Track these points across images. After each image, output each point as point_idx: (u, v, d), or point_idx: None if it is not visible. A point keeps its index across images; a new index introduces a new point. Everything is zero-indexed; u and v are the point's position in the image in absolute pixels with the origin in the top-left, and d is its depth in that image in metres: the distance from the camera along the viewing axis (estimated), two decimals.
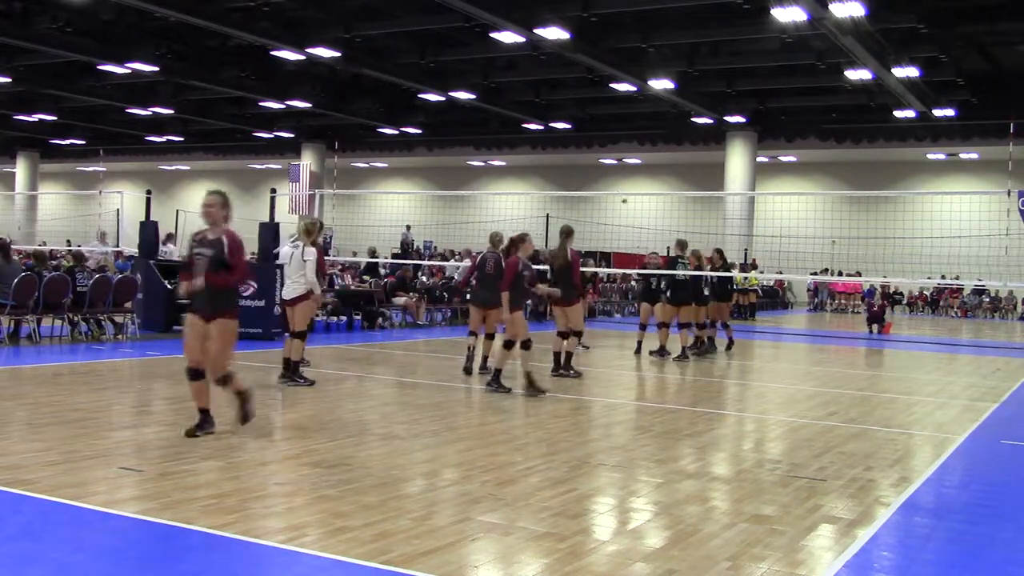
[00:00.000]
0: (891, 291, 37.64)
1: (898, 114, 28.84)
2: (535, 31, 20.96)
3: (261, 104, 33.15)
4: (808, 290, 39.71)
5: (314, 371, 10.91)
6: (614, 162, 41.73)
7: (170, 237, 22.04)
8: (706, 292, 15.94)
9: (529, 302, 16.82)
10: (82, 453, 6.47)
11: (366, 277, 21.05)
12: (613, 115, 34.15)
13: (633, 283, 30.02)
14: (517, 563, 4.66)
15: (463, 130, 37.15)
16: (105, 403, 8.80)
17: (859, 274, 34.26)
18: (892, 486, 6.62)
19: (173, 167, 50.45)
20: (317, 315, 15.27)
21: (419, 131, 36.68)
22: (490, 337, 12.08)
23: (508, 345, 10.42)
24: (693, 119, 31.74)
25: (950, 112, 28.31)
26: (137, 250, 17.21)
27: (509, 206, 32.69)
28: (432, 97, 30.40)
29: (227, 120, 36.63)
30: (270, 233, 16.66)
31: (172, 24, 23.96)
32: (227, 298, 7.20)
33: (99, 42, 25.22)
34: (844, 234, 32.53)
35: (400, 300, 19.43)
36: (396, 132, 37.22)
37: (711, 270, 16.41)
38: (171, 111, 34.58)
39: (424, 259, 30.52)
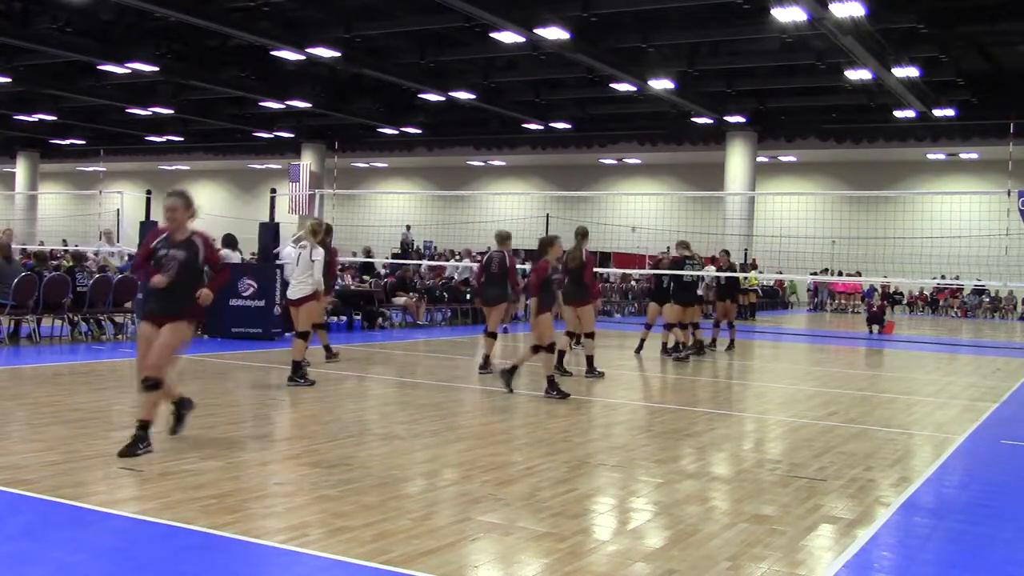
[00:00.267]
0: (891, 291, 37.63)
1: (898, 114, 28.85)
2: (535, 31, 20.97)
3: (261, 104, 33.15)
4: (808, 290, 39.72)
5: (314, 371, 10.90)
6: (614, 162, 41.73)
7: None
8: (700, 293, 15.95)
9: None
10: (82, 453, 6.47)
11: (366, 277, 21.04)
12: (613, 115, 34.14)
13: (633, 283, 30.01)
14: (517, 563, 4.66)
15: (463, 130, 37.14)
16: (105, 403, 8.80)
17: (859, 274, 34.26)
18: (892, 486, 6.62)
19: (173, 167, 50.44)
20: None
21: (419, 131, 36.68)
22: (491, 336, 12.07)
23: (536, 350, 10.15)
24: (693, 119, 31.74)
25: (950, 112, 28.31)
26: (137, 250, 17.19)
27: (509, 206, 32.75)
28: (432, 97, 30.40)
29: (227, 120, 36.63)
30: (270, 233, 16.67)
31: (172, 24, 23.97)
32: (187, 298, 6.71)
33: (99, 42, 25.22)
34: (844, 234, 32.52)
35: (400, 300, 19.43)
36: (396, 132, 37.22)
37: (717, 270, 16.42)
38: (171, 111, 34.58)
39: (424, 259, 30.49)
